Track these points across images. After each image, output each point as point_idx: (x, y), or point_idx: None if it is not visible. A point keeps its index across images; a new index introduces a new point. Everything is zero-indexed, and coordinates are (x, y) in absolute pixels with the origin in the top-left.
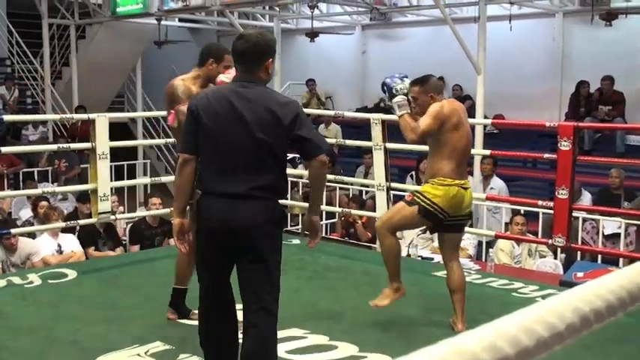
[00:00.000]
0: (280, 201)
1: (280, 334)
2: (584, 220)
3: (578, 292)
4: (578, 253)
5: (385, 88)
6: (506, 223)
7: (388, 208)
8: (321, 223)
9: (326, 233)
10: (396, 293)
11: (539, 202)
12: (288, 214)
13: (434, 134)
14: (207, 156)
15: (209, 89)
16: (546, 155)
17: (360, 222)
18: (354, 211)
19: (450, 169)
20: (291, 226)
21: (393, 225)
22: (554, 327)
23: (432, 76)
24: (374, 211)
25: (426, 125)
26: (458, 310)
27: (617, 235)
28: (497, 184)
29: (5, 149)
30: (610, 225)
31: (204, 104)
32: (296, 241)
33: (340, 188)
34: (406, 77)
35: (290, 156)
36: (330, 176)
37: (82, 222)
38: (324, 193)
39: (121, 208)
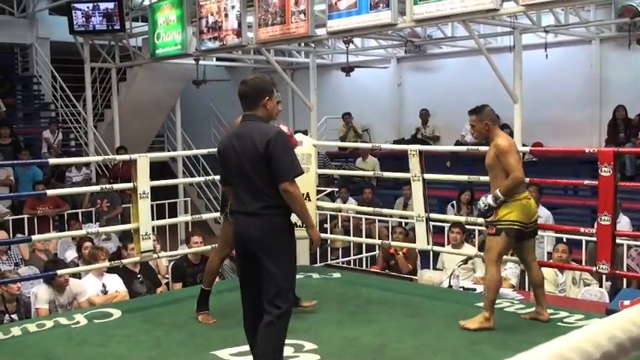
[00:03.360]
0: (321, 235)
1: None
2: (629, 246)
3: (615, 320)
4: (624, 280)
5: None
6: (549, 252)
7: (428, 239)
8: (363, 255)
9: (367, 266)
10: (486, 322)
11: (582, 230)
12: (329, 248)
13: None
14: (232, 184)
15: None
16: (587, 182)
17: (401, 253)
18: (394, 243)
19: (516, 187)
20: (331, 259)
21: (494, 259)
22: (589, 355)
23: (487, 105)
24: (414, 242)
25: (516, 163)
26: (542, 302)
27: None
28: (543, 212)
29: (50, 192)
30: None
31: (225, 143)
32: (337, 275)
33: (380, 220)
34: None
35: (328, 190)
36: (368, 209)
37: (125, 261)
38: (306, 214)
39: (158, 247)
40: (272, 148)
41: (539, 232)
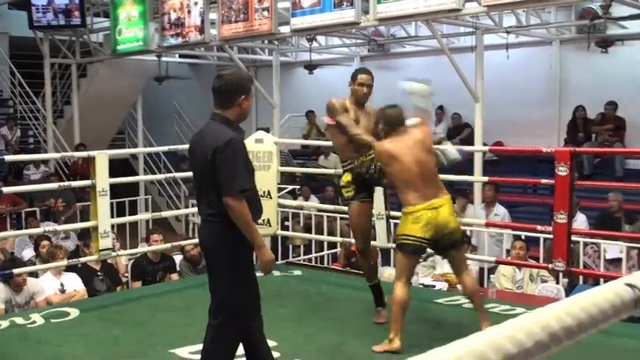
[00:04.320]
0: (282, 232)
1: None
2: (586, 244)
3: (550, 310)
4: (580, 277)
5: None
6: (507, 250)
7: (388, 236)
8: (324, 253)
9: (328, 263)
10: (389, 343)
11: (539, 227)
12: (290, 246)
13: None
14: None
15: None
16: (544, 180)
17: None
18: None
19: (408, 197)
20: (292, 257)
21: (397, 277)
22: (521, 343)
23: (394, 107)
24: (374, 239)
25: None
26: (479, 313)
27: (620, 259)
28: (500, 210)
29: (7, 189)
30: (612, 249)
31: (192, 141)
32: (298, 272)
33: (341, 218)
34: None
35: (289, 187)
36: (330, 206)
37: (83, 259)
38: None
39: (118, 245)
40: (218, 158)
41: (498, 230)
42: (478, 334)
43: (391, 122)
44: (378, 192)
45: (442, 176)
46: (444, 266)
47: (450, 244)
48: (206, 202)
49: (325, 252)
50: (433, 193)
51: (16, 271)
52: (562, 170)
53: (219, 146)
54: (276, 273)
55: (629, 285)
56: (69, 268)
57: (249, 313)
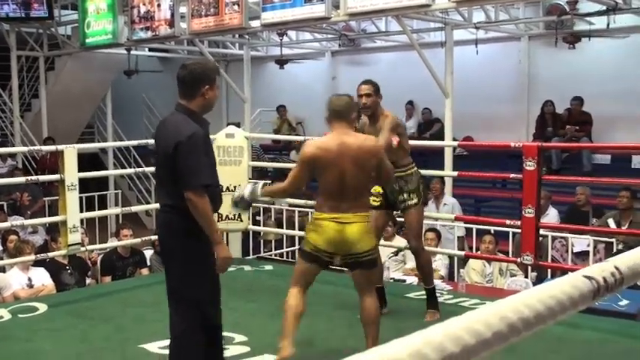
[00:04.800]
0: (253, 227)
1: None
2: (554, 238)
3: (507, 302)
4: (549, 271)
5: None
6: (460, 237)
7: None
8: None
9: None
10: (281, 352)
11: (507, 222)
12: (261, 241)
13: None
14: None
15: None
16: (512, 175)
17: None
18: None
19: (319, 203)
20: (264, 252)
21: (293, 283)
22: (480, 334)
23: (344, 97)
24: None
25: (292, 173)
26: (368, 344)
27: (587, 252)
28: (449, 200)
29: None
30: (580, 243)
31: (157, 128)
32: (269, 267)
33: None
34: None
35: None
36: (301, 201)
37: (51, 254)
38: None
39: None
40: (180, 152)
41: (457, 224)
42: (436, 326)
43: (330, 112)
44: None
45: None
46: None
47: (356, 263)
48: (165, 192)
49: (297, 247)
50: (346, 207)
51: None
52: (530, 165)
53: (182, 140)
54: (247, 268)
55: (587, 277)
56: (37, 263)
57: (207, 304)
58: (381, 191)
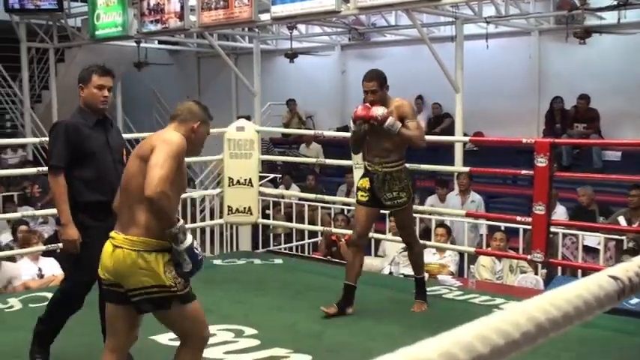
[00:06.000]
0: (263, 221)
1: (262, 353)
2: (564, 235)
3: (535, 302)
4: (559, 268)
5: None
6: (480, 235)
7: None
8: (305, 242)
9: (309, 252)
10: None
11: (518, 218)
12: (271, 234)
13: None
14: None
15: None
16: (524, 172)
17: (343, 240)
18: (336, 230)
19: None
20: (274, 245)
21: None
22: (509, 335)
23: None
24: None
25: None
26: None
27: (597, 249)
28: (476, 197)
29: None
30: (590, 240)
31: None
32: (279, 261)
33: (322, 207)
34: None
35: (271, 176)
36: (311, 195)
37: (62, 245)
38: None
39: None
40: (49, 137)
41: (474, 220)
42: (465, 326)
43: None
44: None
45: (425, 166)
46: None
47: (128, 302)
48: None
49: (306, 241)
50: (124, 223)
51: None
52: (541, 161)
53: (51, 128)
54: (256, 261)
55: (613, 277)
56: (47, 253)
57: (77, 271)
58: (368, 185)
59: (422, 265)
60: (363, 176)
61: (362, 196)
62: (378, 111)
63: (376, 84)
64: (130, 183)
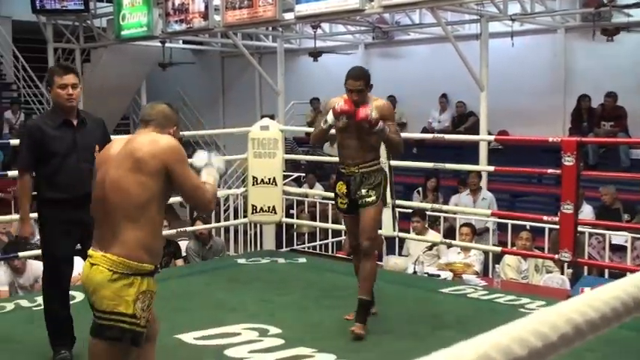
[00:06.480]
0: (287, 220)
1: (287, 352)
2: (590, 234)
3: (572, 304)
4: (585, 268)
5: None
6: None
7: (394, 225)
8: (329, 241)
9: (332, 251)
10: None
11: (545, 218)
12: (295, 233)
13: None
14: None
15: None
16: (550, 170)
17: None
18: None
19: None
20: (297, 245)
21: None
22: (546, 337)
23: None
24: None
25: None
26: None
27: (624, 248)
28: (487, 195)
29: (12, 173)
30: (616, 239)
31: None
32: (302, 260)
33: None
34: None
35: (294, 175)
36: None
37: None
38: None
39: None
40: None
41: (499, 220)
42: (501, 328)
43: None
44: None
45: (447, 165)
46: (448, 256)
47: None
48: None
49: (330, 240)
50: (103, 240)
51: (21, 254)
52: (568, 160)
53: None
54: (280, 260)
55: None
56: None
57: (47, 262)
58: (346, 190)
59: (370, 283)
60: (339, 180)
61: (341, 203)
62: (372, 113)
63: (363, 83)
64: (112, 196)
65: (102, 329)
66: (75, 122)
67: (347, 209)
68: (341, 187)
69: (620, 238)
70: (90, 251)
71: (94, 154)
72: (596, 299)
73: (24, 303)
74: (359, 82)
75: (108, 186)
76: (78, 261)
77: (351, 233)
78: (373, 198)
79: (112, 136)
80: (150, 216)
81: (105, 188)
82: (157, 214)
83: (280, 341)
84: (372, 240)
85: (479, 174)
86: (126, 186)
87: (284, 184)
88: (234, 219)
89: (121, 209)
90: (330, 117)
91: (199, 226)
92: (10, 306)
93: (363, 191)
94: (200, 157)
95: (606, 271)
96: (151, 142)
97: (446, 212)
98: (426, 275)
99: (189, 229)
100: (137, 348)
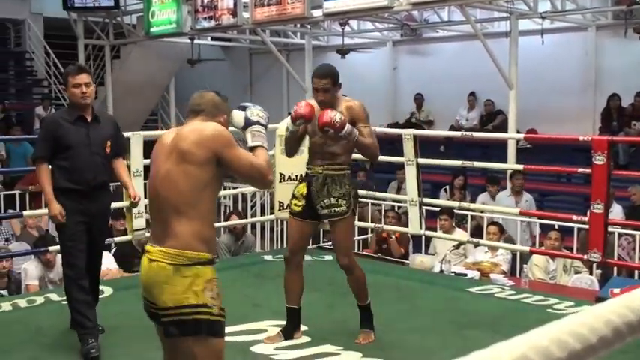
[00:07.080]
0: None
1: (313, 350)
2: (620, 235)
3: (611, 305)
4: (614, 268)
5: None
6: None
7: (421, 223)
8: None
9: (359, 249)
10: None
11: (574, 217)
12: (321, 230)
13: None
14: None
15: None
16: (580, 170)
17: (393, 237)
18: (386, 227)
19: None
20: (324, 242)
21: None
22: (586, 339)
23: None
24: (407, 226)
25: None
26: None
27: None
28: (528, 196)
29: None
30: None
31: None
32: (329, 257)
33: (373, 204)
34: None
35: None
36: (362, 192)
37: (117, 239)
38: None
39: None
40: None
41: (528, 219)
42: (539, 329)
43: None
44: (411, 178)
45: (475, 163)
46: (475, 254)
47: (160, 322)
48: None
49: (356, 237)
50: (159, 234)
51: (51, 248)
52: (599, 160)
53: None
54: (307, 257)
55: None
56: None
57: (65, 251)
58: (305, 192)
59: (364, 290)
60: (301, 181)
61: (295, 205)
62: (336, 117)
63: (329, 81)
64: (162, 190)
65: (175, 326)
66: (89, 119)
67: (300, 213)
68: (301, 189)
69: None
70: (147, 246)
71: (106, 148)
72: (634, 301)
73: (54, 297)
74: (325, 80)
75: (159, 181)
76: (106, 256)
77: (292, 239)
78: (343, 208)
79: (139, 133)
80: (202, 206)
81: (156, 183)
82: (209, 203)
83: (306, 339)
84: (349, 256)
85: (523, 175)
86: (175, 178)
87: None
88: (261, 216)
89: (172, 202)
90: (288, 122)
91: (233, 222)
92: (40, 299)
93: (332, 200)
94: (237, 118)
95: (636, 272)
96: (195, 131)
97: (474, 211)
98: (452, 274)
99: (223, 224)
100: (218, 339)
